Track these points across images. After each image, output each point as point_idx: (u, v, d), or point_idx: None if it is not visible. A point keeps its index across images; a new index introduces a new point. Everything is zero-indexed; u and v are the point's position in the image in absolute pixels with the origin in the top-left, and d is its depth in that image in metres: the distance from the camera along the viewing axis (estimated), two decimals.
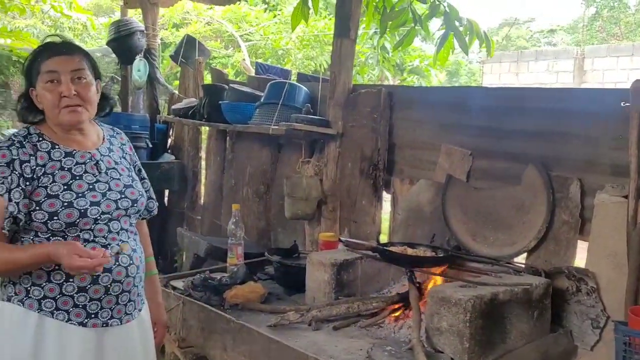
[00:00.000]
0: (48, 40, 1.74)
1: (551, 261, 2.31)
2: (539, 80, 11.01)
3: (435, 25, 3.55)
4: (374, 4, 3.40)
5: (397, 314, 2.25)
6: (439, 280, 2.32)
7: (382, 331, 2.17)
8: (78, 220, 1.62)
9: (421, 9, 3.31)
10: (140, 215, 1.87)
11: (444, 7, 3.13)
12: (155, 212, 1.98)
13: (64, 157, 1.68)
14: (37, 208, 1.60)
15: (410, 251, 2.43)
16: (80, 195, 1.64)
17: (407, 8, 3.16)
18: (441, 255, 2.41)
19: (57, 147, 1.69)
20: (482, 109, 2.60)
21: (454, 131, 2.69)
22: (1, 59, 6.37)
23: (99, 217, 1.65)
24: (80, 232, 1.63)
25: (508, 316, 1.97)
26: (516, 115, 2.49)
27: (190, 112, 4.10)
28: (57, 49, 1.68)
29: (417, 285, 2.28)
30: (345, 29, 3.08)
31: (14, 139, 1.66)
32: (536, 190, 2.36)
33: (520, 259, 2.44)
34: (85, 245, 1.62)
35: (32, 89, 1.68)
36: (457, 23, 3.16)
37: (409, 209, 2.84)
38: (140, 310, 1.80)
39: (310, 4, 3.22)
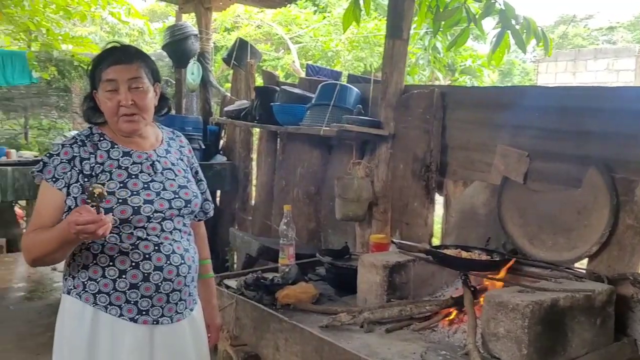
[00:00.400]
0: (109, 47, 1.79)
1: (614, 267, 2.22)
2: (598, 80, 10.62)
3: (488, 24, 3.47)
4: (427, 3, 3.35)
5: (451, 317, 2.20)
6: (495, 284, 2.26)
7: (435, 335, 2.13)
8: (131, 217, 1.65)
9: (474, 8, 3.24)
10: (195, 216, 1.90)
11: (499, 5, 3.05)
12: (211, 213, 2.00)
13: (121, 157, 1.73)
14: None
15: (464, 254, 2.38)
16: (134, 193, 1.68)
17: (461, 7, 3.10)
18: (497, 259, 2.34)
19: (116, 146, 1.74)
20: (539, 109, 2.52)
21: (509, 132, 2.62)
22: (64, 63, 6.65)
23: (151, 215, 1.69)
24: (134, 229, 1.67)
25: (569, 323, 1.90)
26: (577, 115, 2.40)
27: (242, 113, 4.17)
28: (117, 57, 1.72)
29: (472, 289, 2.23)
30: (397, 29, 3.05)
31: (77, 137, 1.74)
32: (598, 193, 2.27)
33: (581, 265, 2.35)
34: (137, 244, 1.67)
35: (96, 92, 1.74)
36: (512, 21, 3.07)
37: (462, 211, 2.78)
38: (192, 310, 1.82)
39: (361, 4, 3.20)
